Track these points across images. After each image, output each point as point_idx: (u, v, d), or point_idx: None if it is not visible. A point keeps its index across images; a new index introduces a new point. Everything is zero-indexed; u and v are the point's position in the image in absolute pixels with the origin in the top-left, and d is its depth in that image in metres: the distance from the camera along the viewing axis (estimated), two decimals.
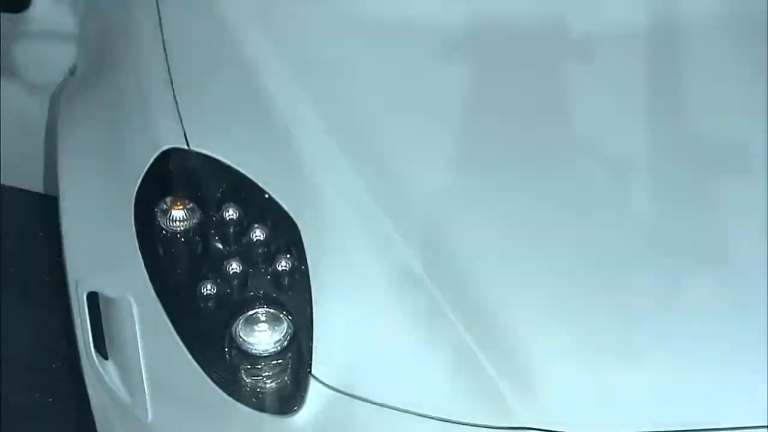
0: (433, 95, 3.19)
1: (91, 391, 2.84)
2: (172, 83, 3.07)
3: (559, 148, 3.11)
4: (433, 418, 2.61)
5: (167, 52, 3.20)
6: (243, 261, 2.73)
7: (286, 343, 2.64)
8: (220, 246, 2.77)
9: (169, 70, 3.13)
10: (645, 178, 3.10)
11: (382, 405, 2.60)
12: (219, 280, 2.71)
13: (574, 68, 3.32)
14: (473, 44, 3.34)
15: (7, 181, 4.09)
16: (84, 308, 2.82)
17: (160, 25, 3.27)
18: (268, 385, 2.65)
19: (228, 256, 2.74)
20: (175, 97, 3.03)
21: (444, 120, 3.15)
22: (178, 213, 2.78)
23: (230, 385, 2.64)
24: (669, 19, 3.46)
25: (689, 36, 3.42)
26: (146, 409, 2.68)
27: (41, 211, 3.95)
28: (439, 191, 3.01)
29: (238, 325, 2.64)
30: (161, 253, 2.81)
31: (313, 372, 2.61)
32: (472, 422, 2.59)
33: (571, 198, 2.99)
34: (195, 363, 2.65)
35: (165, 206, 2.78)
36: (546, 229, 2.91)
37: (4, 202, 4.15)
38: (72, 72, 3.56)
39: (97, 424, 2.90)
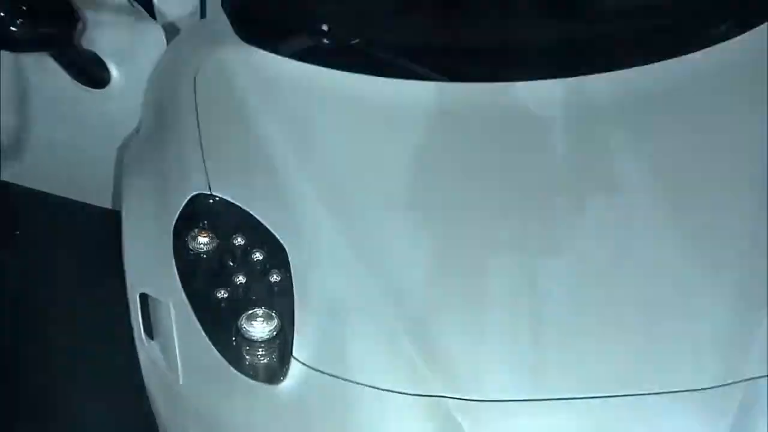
0: (400, 165, 3.53)
1: (141, 362, 3.28)
2: (201, 147, 3.48)
3: (496, 196, 3.43)
4: (369, 386, 2.99)
5: (199, 124, 3.57)
6: (246, 274, 3.17)
7: (275, 333, 3.07)
8: (231, 263, 3.21)
9: (200, 138, 3.52)
10: (547, 208, 3.40)
11: (338, 377, 3.03)
12: (229, 288, 3.16)
13: (508, 139, 3.58)
14: (438, 123, 3.63)
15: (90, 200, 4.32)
16: (137, 304, 3.25)
17: (196, 105, 3.63)
18: (261, 362, 3.07)
19: (236, 271, 3.17)
20: (203, 157, 3.44)
21: (405, 181, 3.49)
22: (202, 239, 3.22)
23: (235, 361, 3.06)
24: (578, 104, 3.68)
25: (591, 115, 3.67)
26: (178, 375, 3.12)
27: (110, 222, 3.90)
28: (388, 227, 3.35)
29: (242, 320, 3.08)
30: (190, 267, 3.24)
31: (293, 354, 3.04)
32: (397, 390, 2.98)
33: (493, 228, 3.33)
34: (211, 345, 3.09)
35: (193, 235, 3.24)
36: (472, 250, 3.27)
37: (85, 213, 4.33)
38: (137, 131, 3.89)
39: (146, 385, 3.31)
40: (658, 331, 3.13)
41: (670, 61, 3.72)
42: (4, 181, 4.36)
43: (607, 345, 3.10)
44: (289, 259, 3.21)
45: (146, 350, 3.28)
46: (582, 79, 3.68)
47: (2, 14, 3.72)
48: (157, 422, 3.32)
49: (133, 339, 3.39)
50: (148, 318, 3.32)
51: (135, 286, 3.34)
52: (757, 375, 3.04)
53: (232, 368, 3.11)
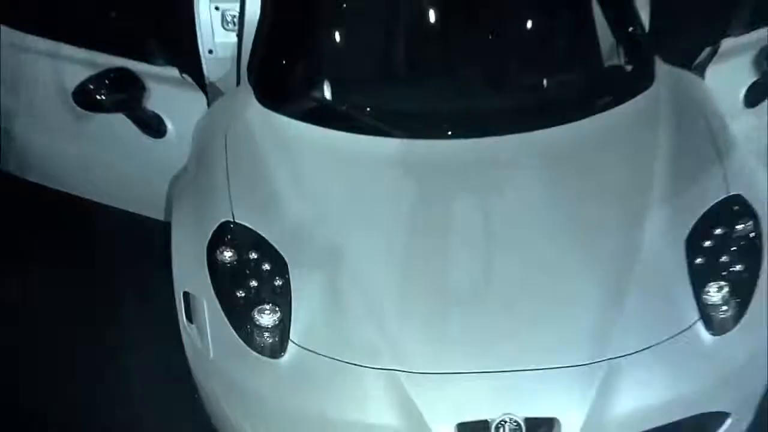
0: (372, 201, 3.54)
1: (184, 341, 3.41)
2: (229, 187, 3.56)
3: (436, 227, 3.46)
4: (344, 361, 3.12)
5: (228, 169, 3.63)
6: (258, 280, 3.29)
7: (277, 322, 3.21)
8: (247, 272, 3.32)
9: (228, 179, 3.59)
10: (479, 248, 3.41)
11: (322, 354, 3.18)
12: (246, 289, 3.29)
13: (442, 178, 3.61)
14: (396, 167, 3.65)
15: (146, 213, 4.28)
16: (181, 298, 3.38)
17: (226, 154, 3.69)
18: (267, 342, 3.21)
19: (250, 277, 3.30)
20: (230, 194, 3.52)
21: (375, 212, 3.50)
22: (227, 254, 3.35)
23: (249, 341, 3.21)
24: (499, 160, 3.65)
25: (511, 169, 3.65)
26: (209, 351, 3.26)
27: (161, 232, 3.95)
28: (362, 247, 3.39)
29: (254, 312, 3.22)
30: (218, 274, 3.37)
31: (290, 337, 3.20)
32: (363, 364, 3.12)
33: (441, 257, 3.37)
34: (232, 330, 3.23)
35: (221, 250, 3.36)
36: (422, 267, 3.35)
37: (146, 226, 4.27)
38: (185, 168, 3.91)
39: (188, 358, 3.42)
40: (543, 320, 3.19)
41: (568, 125, 3.73)
42: (89, 199, 4.39)
43: (505, 332, 3.17)
44: (289, 269, 3.33)
45: (187, 332, 3.40)
46: (499, 138, 3.71)
47: (92, 87, 3.82)
48: (196, 384, 3.44)
49: (177, 322, 3.52)
50: (189, 308, 3.43)
51: (180, 286, 3.46)
52: (616, 356, 3.11)
53: (246, 346, 3.24)
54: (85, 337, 4.13)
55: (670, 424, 3.13)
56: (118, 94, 3.82)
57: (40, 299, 4.35)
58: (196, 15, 4.28)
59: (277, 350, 3.21)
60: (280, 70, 3.98)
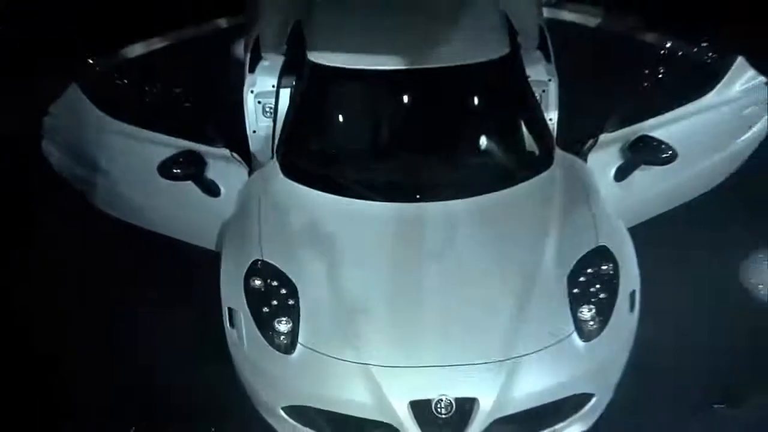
0: (364, 247, 3.59)
1: (228, 340, 3.52)
2: (260, 234, 3.66)
3: (406, 264, 3.54)
4: (333, 357, 3.27)
5: (260, 224, 3.71)
6: (277, 300, 3.45)
7: (290, 330, 3.36)
8: (270, 295, 3.46)
9: (260, 230, 3.68)
10: (436, 276, 3.47)
11: (320, 352, 3.31)
12: (269, 307, 3.44)
13: (408, 232, 3.65)
14: (389, 227, 3.67)
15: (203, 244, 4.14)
16: (226, 312, 3.54)
17: (259, 212, 3.78)
18: (283, 343, 3.36)
19: (272, 299, 3.46)
20: (260, 239, 3.64)
21: (366, 255, 3.55)
22: (257, 282, 3.50)
23: (270, 342, 3.37)
24: (439, 217, 3.69)
25: (445, 222, 3.69)
26: (244, 347, 3.42)
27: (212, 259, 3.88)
28: (352, 282, 3.46)
29: (274, 322, 3.39)
30: (251, 296, 3.48)
31: (299, 340, 3.35)
32: (346, 359, 3.25)
33: (403, 287, 3.47)
34: (260, 334, 3.39)
35: (252, 279, 3.51)
36: (391, 294, 3.46)
37: (196, 254, 4.10)
38: (232, 219, 3.89)
39: (230, 352, 3.51)
40: (469, 331, 3.35)
41: (494, 193, 3.83)
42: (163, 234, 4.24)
43: (445, 339, 3.32)
44: (298, 293, 3.50)
45: (230, 335, 3.58)
46: (444, 203, 3.79)
47: (171, 164, 3.89)
48: (236, 369, 3.58)
49: (223, 328, 3.61)
50: (232, 319, 3.57)
51: (225, 302, 3.62)
52: (518, 355, 3.29)
53: (269, 345, 3.44)
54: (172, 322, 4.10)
55: (553, 401, 3.38)
56: (188, 168, 3.91)
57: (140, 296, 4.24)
58: (245, 106, 4.34)
59: (289, 349, 3.42)
60: (297, 152, 4.04)
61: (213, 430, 3.65)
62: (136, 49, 5.58)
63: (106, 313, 4.16)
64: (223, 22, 6.02)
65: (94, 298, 4.23)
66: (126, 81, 4.96)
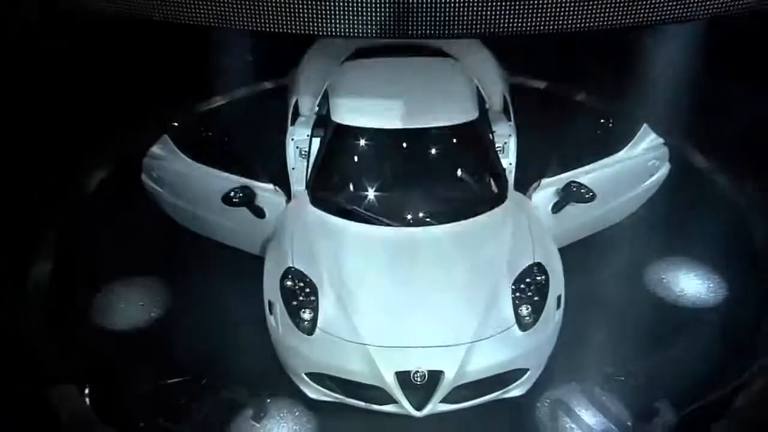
0: (369, 258, 3.71)
1: (268, 324, 3.65)
2: (292, 249, 3.76)
3: (400, 268, 3.65)
4: (342, 338, 3.37)
5: (293, 241, 3.81)
6: (303, 296, 3.60)
7: (312, 317, 3.51)
8: (297, 292, 3.61)
9: (293, 245, 3.80)
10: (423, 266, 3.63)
11: (332, 335, 3.42)
12: (297, 301, 3.60)
13: (402, 249, 3.74)
14: (388, 245, 3.76)
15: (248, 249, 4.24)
16: (266, 304, 3.71)
17: (292, 233, 3.83)
18: (307, 327, 3.51)
19: (299, 294, 3.61)
20: (292, 253, 3.76)
21: (372, 268, 3.66)
22: (288, 282, 3.67)
23: (298, 326, 3.53)
24: (420, 239, 3.77)
25: (425, 242, 3.78)
26: (279, 329, 3.58)
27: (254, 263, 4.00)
28: (360, 283, 3.54)
29: (300, 312, 3.56)
30: (284, 292, 3.63)
31: (318, 326, 3.52)
32: (350, 340, 3.40)
33: (397, 288, 3.56)
34: (290, 320, 3.55)
35: (286, 280, 3.66)
36: (387, 292, 3.56)
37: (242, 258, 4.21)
38: (273, 235, 3.97)
39: (270, 333, 3.59)
40: (440, 322, 3.49)
41: (464, 221, 3.91)
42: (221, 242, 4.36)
43: (423, 327, 3.46)
44: (318, 292, 3.68)
45: (269, 320, 3.75)
46: (426, 228, 3.90)
47: (231, 194, 3.88)
48: (273, 344, 3.72)
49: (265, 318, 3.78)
50: (271, 308, 3.72)
51: (266, 295, 3.79)
52: (473, 340, 3.44)
53: (296, 329, 3.63)
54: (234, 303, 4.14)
55: (497, 374, 3.57)
56: (243, 198, 4.03)
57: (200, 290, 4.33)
58: (287, 148, 4.35)
59: (311, 331, 3.61)
60: (322, 186, 4.18)
61: (268, 401, 3.63)
62: (203, 106, 5.85)
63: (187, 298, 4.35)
64: (268, 84, 6.18)
65: (185, 285, 4.39)
66: (202, 131, 5.17)
